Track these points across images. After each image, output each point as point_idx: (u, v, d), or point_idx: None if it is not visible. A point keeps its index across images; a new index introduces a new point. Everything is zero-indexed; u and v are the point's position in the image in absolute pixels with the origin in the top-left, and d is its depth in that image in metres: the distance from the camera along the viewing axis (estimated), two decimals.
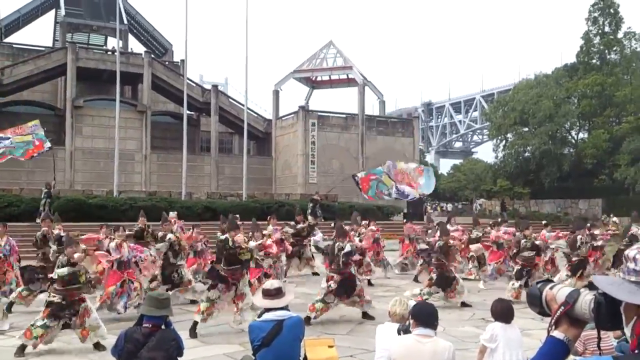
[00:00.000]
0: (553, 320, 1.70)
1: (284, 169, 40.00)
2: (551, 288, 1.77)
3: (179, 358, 4.43)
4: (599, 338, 1.63)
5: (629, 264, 1.59)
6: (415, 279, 13.89)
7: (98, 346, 7.48)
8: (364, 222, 15.23)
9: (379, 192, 20.35)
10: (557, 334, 1.69)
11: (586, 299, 1.63)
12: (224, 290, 8.47)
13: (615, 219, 29.10)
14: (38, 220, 20.28)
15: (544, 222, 15.92)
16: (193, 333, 8.18)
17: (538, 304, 1.79)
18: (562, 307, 1.69)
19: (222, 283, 8.49)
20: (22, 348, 7.35)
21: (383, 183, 20.26)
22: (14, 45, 42.25)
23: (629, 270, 1.58)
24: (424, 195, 22.63)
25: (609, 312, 1.57)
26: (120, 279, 9.46)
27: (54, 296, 7.47)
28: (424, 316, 3.75)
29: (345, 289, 9.22)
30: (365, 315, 9.41)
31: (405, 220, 19.69)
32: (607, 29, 39.91)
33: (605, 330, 1.65)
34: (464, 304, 10.69)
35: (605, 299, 1.57)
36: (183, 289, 10.88)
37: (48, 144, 21.74)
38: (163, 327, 4.36)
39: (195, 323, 8.29)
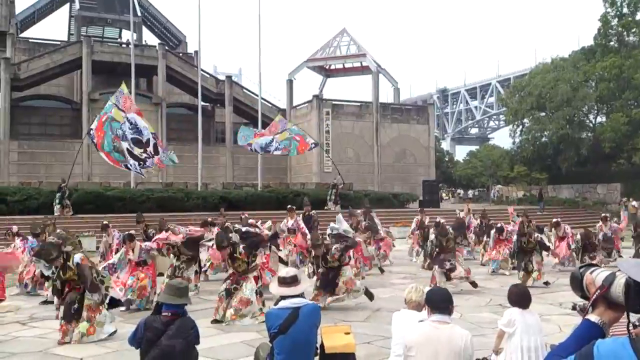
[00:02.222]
0: (589, 303, 1.68)
1: (299, 159, 39.97)
2: (591, 272, 1.77)
3: (196, 346, 4.46)
4: (629, 321, 1.60)
5: None
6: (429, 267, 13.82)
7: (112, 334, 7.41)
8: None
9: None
10: (592, 317, 1.67)
11: (620, 282, 1.62)
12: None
13: (634, 203, 28.70)
14: (57, 214, 20.72)
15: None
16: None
17: (579, 288, 1.79)
18: (598, 291, 1.66)
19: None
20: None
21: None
22: (30, 40, 42.68)
23: None
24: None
25: (637, 294, 1.54)
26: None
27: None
28: (438, 302, 3.73)
29: (327, 284, 9.14)
30: (367, 293, 9.33)
31: (420, 208, 19.58)
32: (625, 10, 39.10)
33: (635, 312, 1.62)
34: (472, 284, 10.74)
35: (634, 281, 1.54)
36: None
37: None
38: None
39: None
